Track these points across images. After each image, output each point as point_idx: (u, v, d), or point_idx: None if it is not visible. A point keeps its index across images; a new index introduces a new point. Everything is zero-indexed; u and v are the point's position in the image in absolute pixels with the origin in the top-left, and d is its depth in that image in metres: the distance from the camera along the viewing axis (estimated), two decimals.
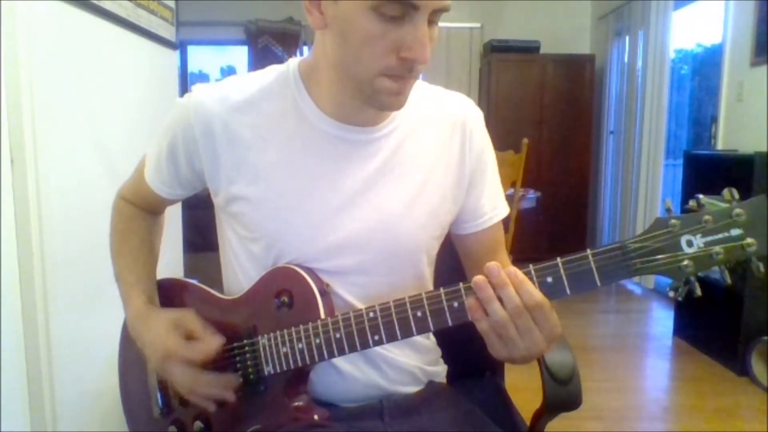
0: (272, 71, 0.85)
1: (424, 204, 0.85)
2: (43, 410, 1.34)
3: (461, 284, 0.70)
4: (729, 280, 0.60)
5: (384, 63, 0.71)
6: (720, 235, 0.60)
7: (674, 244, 0.62)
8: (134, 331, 0.89)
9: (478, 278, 0.67)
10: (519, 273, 0.66)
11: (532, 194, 3.23)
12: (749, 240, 0.59)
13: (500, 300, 0.65)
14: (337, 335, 0.76)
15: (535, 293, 0.65)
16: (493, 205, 0.92)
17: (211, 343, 0.82)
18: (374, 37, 0.69)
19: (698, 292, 0.62)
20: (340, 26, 0.71)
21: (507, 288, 0.65)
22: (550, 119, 4.84)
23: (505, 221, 0.96)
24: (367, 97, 0.76)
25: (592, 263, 0.64)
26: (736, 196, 0.61)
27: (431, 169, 0.86)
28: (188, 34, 4.19)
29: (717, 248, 0.60)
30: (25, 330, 1.31)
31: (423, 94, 0.88)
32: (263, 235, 0.82)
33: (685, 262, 0.61)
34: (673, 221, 0.62)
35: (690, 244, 0.61)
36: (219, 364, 0.84)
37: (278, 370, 0.81)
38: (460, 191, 0.89)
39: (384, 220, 0.82)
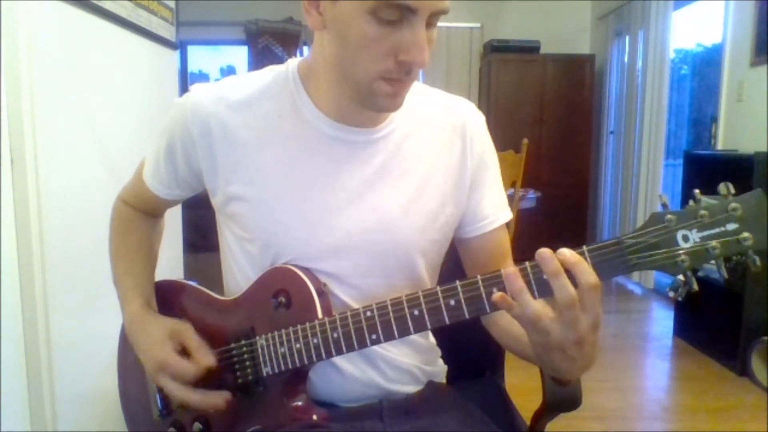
0: (271, 71, 0.85)
1: (422, 206, 0.84)
2: (43, 410, 1.34)
3: (458, 282, 0.69)
4: (726, 275, 0.60)
5: (381, 66, 0.70)
6: (716, 230, 0.60)
7: (670, 239, 0.62)
8: (131, 334, 0.89)
9: (509, 270, 0.64)
10: (574, 254, 0.62)
11: (532, 194, 3.22)
12: (745, 234, 0.59)
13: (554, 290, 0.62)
14: (335, 335, 0.76)
15: (593, 275, 0.61)
16: (494, 208, 0.91)
17: (202, 363, 0.82)
18: (372, 41, 0.68)
19: (695, 286, 0.62)
20: (339, 28, 0.71)
21: (560, 278, 0.61)
22: (550, 119, 4.84)
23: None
24: (364, 98, 0.75)
25: (588, 259, 0.64)
26: (732, 190, 0.60)
27: (430, 171, 0.85)
28: (188, 34, 4.18)
29: (713, 243, 0.60)
30: (25, 330, 1.31)
31: (423, 97, 0.88)
32: (260, 236, 0.82)
33: (682, 257, 0.61)
34: (669, 216, 0.62)
35: (686, 239, 0.61)
36: (216, 366, 0.83)
37: (276, 371, 0.80)
38: (461, 195, 0.88)
39: (382, 222, 0.82)
